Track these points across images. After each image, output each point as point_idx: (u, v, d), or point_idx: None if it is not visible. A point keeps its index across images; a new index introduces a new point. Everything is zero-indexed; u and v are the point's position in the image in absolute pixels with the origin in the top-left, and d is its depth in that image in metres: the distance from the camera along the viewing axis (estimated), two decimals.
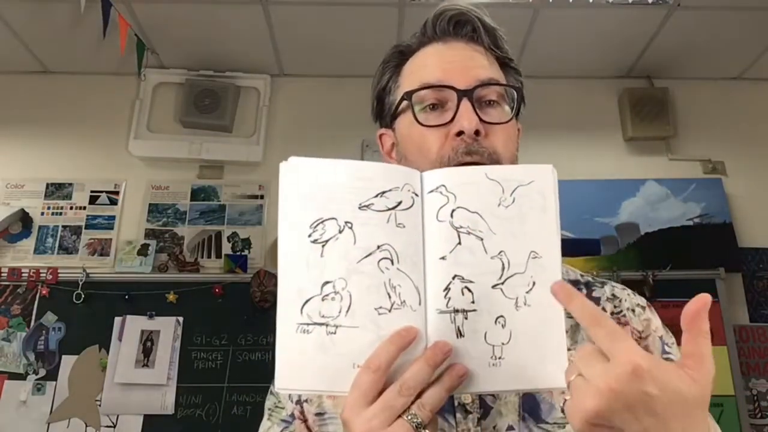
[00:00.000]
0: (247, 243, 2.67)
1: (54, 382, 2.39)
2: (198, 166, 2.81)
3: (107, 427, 2.34)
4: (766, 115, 2.92)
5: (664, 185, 2.75)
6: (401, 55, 0.83)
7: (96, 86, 2.91)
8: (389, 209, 0.58)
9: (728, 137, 2.87)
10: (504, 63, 0.82)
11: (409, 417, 0.54)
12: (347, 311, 0.56)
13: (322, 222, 0.57)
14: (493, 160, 0.72)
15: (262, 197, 2.75)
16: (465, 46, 0.78)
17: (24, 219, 2.67)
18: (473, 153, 0.71)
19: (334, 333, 0.56)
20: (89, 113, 2.87)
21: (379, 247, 0.57)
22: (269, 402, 0.81)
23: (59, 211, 2.72)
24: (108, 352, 2.41)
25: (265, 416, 0.80)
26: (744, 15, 2.50)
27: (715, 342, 2.55)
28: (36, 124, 2.85)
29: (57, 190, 2.75)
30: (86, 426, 2.34)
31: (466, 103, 0.72)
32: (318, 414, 0.76)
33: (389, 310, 0.56)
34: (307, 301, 0.56)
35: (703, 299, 0.53)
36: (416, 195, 0.59)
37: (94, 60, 2.80)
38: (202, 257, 2.65)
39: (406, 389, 0.54)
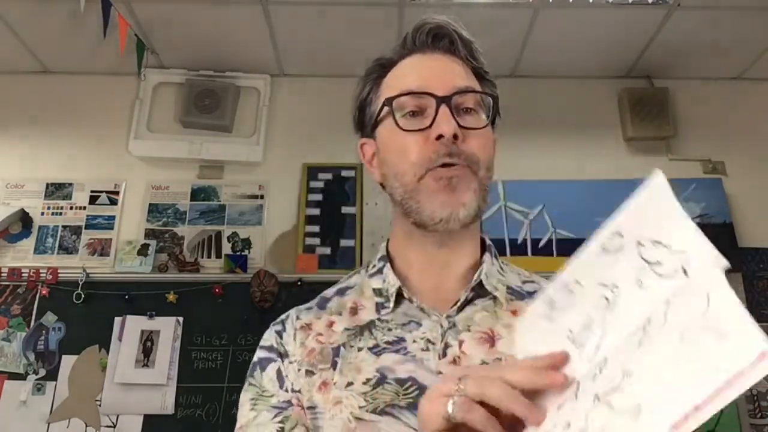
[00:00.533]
0: (247, 243, 2.67)
1: (54, 382, 2.39)
2: (198, 166, 2.81)
3: (107, 427, 2.34)
4: (766, 115, 2.92)
5: None
6: (382, 68, 0.86)
7: (96, 86, 2.91)
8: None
9: (728, 137, 2.86)
10: (480, 74, 0.85)
11: (458, 387, 0.55)
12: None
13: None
14: (472, 161, 0.76)
15: (262, 197, 2.75)
16: (443, 57, 0.82)
17: (24, 219, 2.67)
18: (453, 155, 0.75)
19: None
20: (89, 113, 2.87)
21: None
22: (250, 393, 0.82)
23: (59, 211, 2.72)
24: (108, 352, 2.41)
25: (246, 407, 0.81)
26: (744, 15, 2.50)
27: None
28: (36, 124, 2.85)
29: (57, 190, 2.75)
30: (86, 426, 2.34)
31: (444, 109, 0.75)
32: (309, 407, 0.77)
33: None
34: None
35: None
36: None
37: (94, 60, 2.80)
38: (202, 257, 2.65)
39: (487, 377, 0.54)
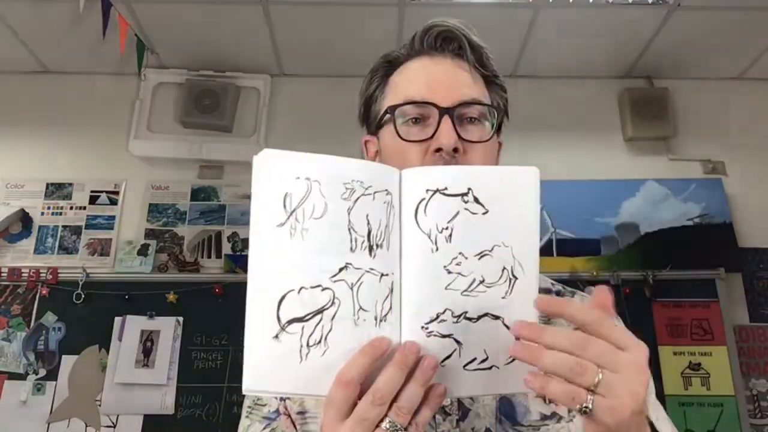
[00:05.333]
0: (247, 243, 2.65)
1: (54, 382, 2.39)
2: (198, 166, 2.81)
3: (107, 427, 2.34)
4: (766, 115, 2.92)
5: (664, 185, 2.75)
6: (389, 65, 0.85)
7: (96, 86, 2.91)
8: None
9: (728, 137, 2.86)
10: (488, 80, 0.84)
11: (388, 425, 0.53)
12: None
13: None
14: None
15: None
16: (451, 62, 0.80)
17: (24, 219, 2.67)
18: None
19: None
20: (89, 113, 2.87)
21: None
22: (248, 400, 0.83)
23: (59, 211, 2.72)
24: (108, 352, 2.41)
25: (244, 414, 0.82)
26: (744, 15, 2.50)
27: (715, 342, 2.57)
28: (36, 124, 2.85)
29: (57, 190, 2.75)
30: (86, 426, 2.34)
31: (446, 121, 0.74)
32: (299, 413, 0.78)
33: None
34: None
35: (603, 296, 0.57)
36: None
37: (94, 60, 2.80)
38: (202, 257, 2.65)
39: (379, 398, 0.53)
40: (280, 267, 0.55)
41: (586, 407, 0.51)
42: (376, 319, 0.55)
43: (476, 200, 0.57)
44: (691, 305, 2.49)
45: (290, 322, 0.54)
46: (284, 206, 0.56)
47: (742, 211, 2.73)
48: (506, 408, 0.73)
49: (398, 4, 2.43)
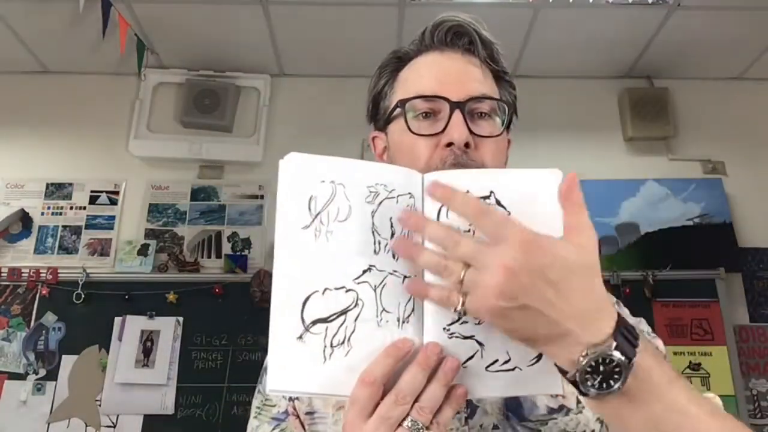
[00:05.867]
0: (247, 243, 2.67)
1: (54, 382, 2.39)
2: (198, 166, 2.81)
3: (107, 427, 2.34)
4: (766, 115, 2.92)
5: (664, 185, 2.75)
6: (398, 61, 0.84)
7: (96, 86, 2.91)
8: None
9: (728, 137, 2.86)
10: (498, 76, 0.83)
11: (410, 423, 0.54)
12: None
13: None
14: None
15: (262, 197, 2.75)
16: (461, 57, 0.80)
17: (24, 219, 2.67)
18: (461, 164, 0.73)
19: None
20: (89, 113, 2.87)
21: None
22: (257, 401, 0.83)
23: (59, 211, 2.72)
24: (108, 352, 2.42)
25: (252, 415, 0.82)
26: (744, 15, 2.50)
27: (715, 342, 2.56)
28: (36, 124, 2.85)
29: (57, 190, 2.75)
30: (86, 426, 2.34)
31: (458, 115, 0.74)
32: (308, 413, 0.78)
33: None
34: None
35: (572, 176, 0.56)
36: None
37: (94, 60, 2.80)
38: (202, 257, 2.65)
39: (402, 398, 0.54)
40: (304, 268, 0.55)
41: (459, 310, 0.52)
42: (398, 320, 0.56)
43: (498, 203, 0.57)
44: (691, 305, 2.50)
45: (314, 322, 0.55)
46: (309, 209, 0.56)
47: (742, 211, 2.73)
48: (513, 404, 0.72)
49: (398, 4, 2.43)
